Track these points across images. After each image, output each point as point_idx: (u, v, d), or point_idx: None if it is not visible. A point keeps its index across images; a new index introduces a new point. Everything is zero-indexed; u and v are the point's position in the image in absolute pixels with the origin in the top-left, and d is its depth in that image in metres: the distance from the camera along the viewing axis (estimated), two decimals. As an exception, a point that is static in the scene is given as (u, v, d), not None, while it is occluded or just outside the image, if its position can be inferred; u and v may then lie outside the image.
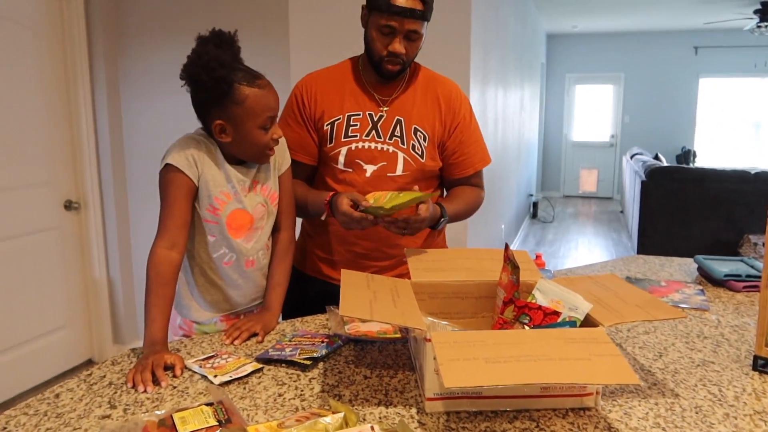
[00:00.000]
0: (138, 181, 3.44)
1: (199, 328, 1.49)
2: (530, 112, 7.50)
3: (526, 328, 1.10)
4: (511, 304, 1.16)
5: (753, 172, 5.64)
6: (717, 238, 5.67)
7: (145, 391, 1.08)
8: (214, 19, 3.09)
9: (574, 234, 7.43)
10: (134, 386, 1.10)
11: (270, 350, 1.24)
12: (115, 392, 1.09)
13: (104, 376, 1.16)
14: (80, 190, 3.31)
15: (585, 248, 6.69)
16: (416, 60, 1.62)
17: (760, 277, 1.65)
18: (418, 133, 1.59)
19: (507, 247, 1.25)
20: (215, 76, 1.25)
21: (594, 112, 10.32)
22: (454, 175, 1.67)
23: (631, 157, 7.56)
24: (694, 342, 1.33)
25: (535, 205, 8.41)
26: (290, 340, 1.29)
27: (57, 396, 1.08)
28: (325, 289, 1.69)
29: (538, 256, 1.49)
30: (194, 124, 1.39)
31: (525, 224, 7.60)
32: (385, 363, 1.21)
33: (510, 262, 1.20)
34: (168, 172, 1.33)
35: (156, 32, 3.22)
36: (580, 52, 9.99)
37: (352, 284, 1.16)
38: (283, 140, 1.50)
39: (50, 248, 3.17)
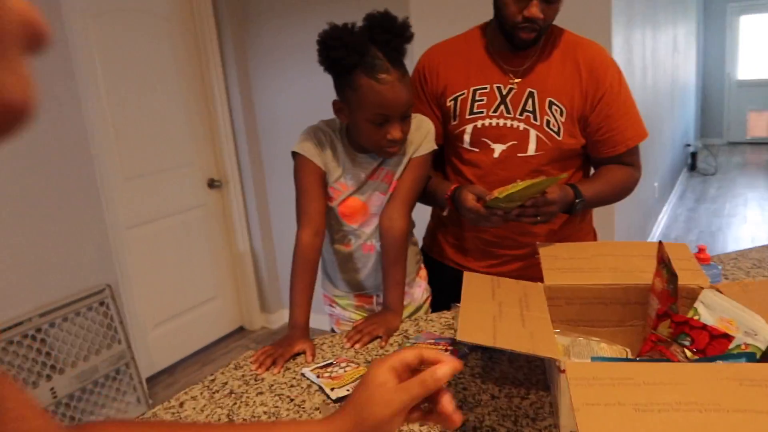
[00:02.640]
0: (273, 159, 3.53)
1: (337, 300, 1.54)
2: (685, 54, 6.66)
3: (687, 352, 0.91)
4: (666, 318, 0.97)
5: None
6: None
7: (257, 370, 1.19)
8: (336, -11, 3.01)
9: (742, 188, 6.57)
10: (255, 362, 1.21)
11: (390, 359, 1.17)
12: (234, 403, 1.08)
13: (226, 383, 1.16)
14: (221, 169, 3.48)
15: (756, 205, 5.86)
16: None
17: None
18: (554, 107, 1.38)
19: (661, 245, 1.05)
20: (336, 57, 1.20)
21: (764, 44, 8.98)
22: (602, 153, 1.45)
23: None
24: None
25: (693, 155, 7.55)
26: (412, 347, 1.21)
27: (181, 405, 1.10)
28: (454, 276, 1.58)
29: (701, 249, 1.25)
30: (325, 102, 1.37)
31: (682, 178, 6.86)
32: (515, 378, 1.08)
33: (665, 266, 1.01)
34: (299, 160, 1.35)
35: (281, 13, 3.22)
36: (748, -24, 8.66)
37: (474, 296, 1.04)
38: (431, 127, 1.40)
39: (198, 225, 3.37)
